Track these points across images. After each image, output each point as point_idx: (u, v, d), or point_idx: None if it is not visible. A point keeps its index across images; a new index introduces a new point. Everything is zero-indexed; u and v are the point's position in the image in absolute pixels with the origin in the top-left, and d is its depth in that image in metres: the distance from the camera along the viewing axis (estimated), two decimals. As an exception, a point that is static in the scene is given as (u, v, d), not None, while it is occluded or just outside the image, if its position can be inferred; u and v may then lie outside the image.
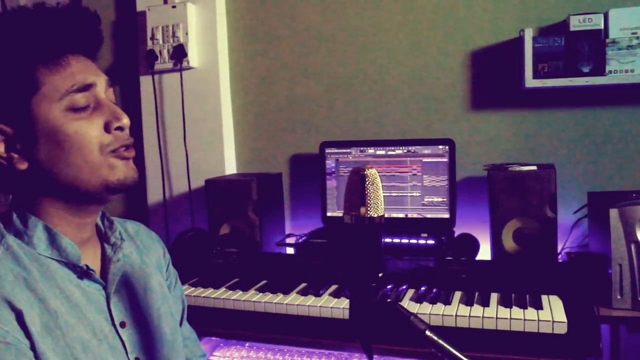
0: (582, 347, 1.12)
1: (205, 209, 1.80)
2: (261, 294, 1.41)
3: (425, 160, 1.71)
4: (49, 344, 0.70)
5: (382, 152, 1.75)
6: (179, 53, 1.97)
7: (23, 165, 0.75)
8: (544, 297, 1.26)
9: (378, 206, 0.66)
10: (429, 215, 1.71)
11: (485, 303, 1.24)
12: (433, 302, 1.28)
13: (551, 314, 1.16)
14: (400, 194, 1.74)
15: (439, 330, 0.64)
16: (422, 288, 1.37)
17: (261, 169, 2.06)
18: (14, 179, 0.77)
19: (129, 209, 2.20)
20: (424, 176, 1.71)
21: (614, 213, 1.24)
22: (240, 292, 1.42)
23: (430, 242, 1.53)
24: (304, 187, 2.00)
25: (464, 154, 1.76)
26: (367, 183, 0.65)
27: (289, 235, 1.87)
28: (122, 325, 0.81)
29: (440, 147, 1.69)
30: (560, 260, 1.56)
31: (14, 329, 0.68)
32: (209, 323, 1.39)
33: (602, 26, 1.55)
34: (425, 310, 1.23)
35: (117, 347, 0.79)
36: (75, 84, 0.75)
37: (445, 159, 1.68)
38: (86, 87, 0.76)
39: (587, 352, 1.12)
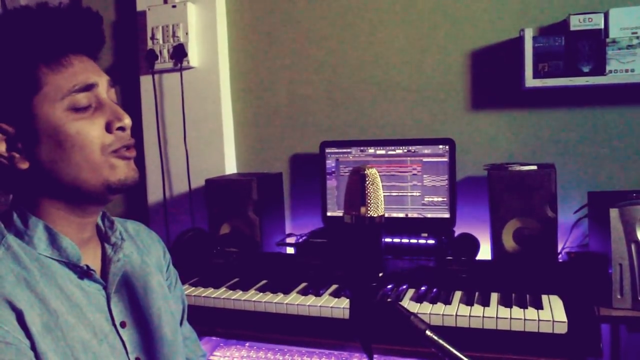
0: (583, 346, 1.12)
1: (205, 209, 1.80)
2: (261, 293, 1.41)
3: (425, 160, 1.71)
4: (50, 344, 0.70)
5: (383, 152, 1.75)
6: (179, 53, 1.97)
7: (24, 165, 0.75)
8: (544, 297, 1.26)
9: (378, 206, 0.66)
10: (429, 215, 1.71)
11: (485, 303, 1.24)
12: (433, 301, 1.28)
13: (551, 314, 1.16)
14: (400, 194, 1.74)
15: (439, 330, 0.64)
16: (423, 288, 1.37)
17: (261, 169, 2.05)
18: (15, 178, 0.77)
19: (129, 208, 2.20)
20: (424, 176, 1.71)
21: (614, 213, 1.24)
22: (241, 292, 1.42)
23: (431, 241, 1.53)
24: (304, 186, 2.00)
25: (464, 153, 1.76)
26: (367, 183, 0.65)
27: (289, 235, 1.87)
28: (123, 325, 0.81)
29: (441, 146, 1.69)
30: (560, 260, 1.56)
31: (15, 329, 0.68)
32: (209, 323, 1.39)
33: (602, 26, 1.55)
34: (426, 310, 1.23)
35: (117, 347, 0.79)
36: (77, 84, 0.75)
37: (445, 159, 1.68)
38: (88, 87, 0.76)
39: (588, 351, 1.12)
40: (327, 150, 1.81)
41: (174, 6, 1.99)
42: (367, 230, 0.66)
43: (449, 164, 1.68)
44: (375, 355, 0.72)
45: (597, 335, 1.14)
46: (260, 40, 2.03)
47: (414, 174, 1.72)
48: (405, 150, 1.73)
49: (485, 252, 1.53)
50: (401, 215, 1.74)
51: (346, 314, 1.26)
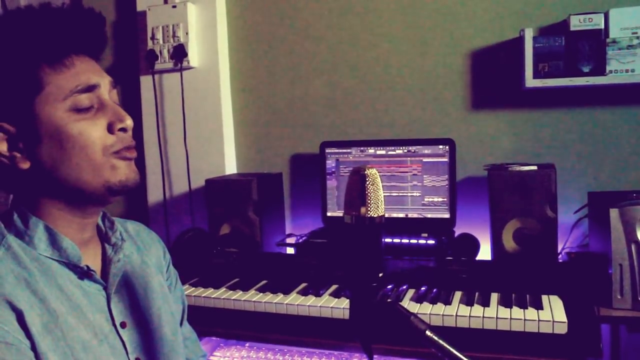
0: (583, 347, 1.12)
1: (206, 209, 1.80)
2: (261, 294, 1.41)
3: (425, 160, 1.71)
4: (50, 344, 0.70)
5: (383, 152, 1.75)
6: (179, 53, 1.97)
7: (25, 165, 0.75)
8: (544, 297, 1.26)
9: (378, 206, 0.66)
10: (429, 215, 1.71)
11: (485, 303, 1.24)
12: (433, 302, 1.28)
13: (551, 314, 1.16)
14: (400, 194, 1.74)
15: (439, 330, 0.64)
16: (423, 288, 1.37)
17: (261, 169, 2.06)
18: (16, 178, 0.77)
19: (129, 209, 2.20)
20: (424, 176, 1.71)
21: (614, 213, 1.24)
22: (241, 292, 1.42)
23: (431, 242, 1.53)
24: (304, 187, 2.00)
25: (464, 154, 1.76)
26: (367, 183, 0.65)
27: (289, 235, 1.87)
28: (123, 325, 0.81)
29: (441, 147, 1.69)
30: (560, 260, 1.56)
31: (15, 330, 0.68)
32: (209, 323, 1.39)
33: (602, 26, 1.55)
34: (426, 310, 1.23)
35: (117, 348, 0.79)
36: (79, 85, 0.75)
37: (445, 159, 1.68)
38: (90, 88, 0.76)
39: (588, 352, 1.12)
40: (327, 151, 1.81)
41: (174, 6, 1.99)
42: (367, 230, 0.66)
43: (449, 164, 1.68)
44: (375, 356, 0.72)
45: (597, 336, 1.14)
46: (260, 40, 2.03)
47: (414, 174, 1.72)
48: (406, 151, 1.73)
49: (485, 253, 1.53)
50: (401, 215, 1.74)
51: (346, 314, 1.26)
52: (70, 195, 0.77)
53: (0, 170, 0.76)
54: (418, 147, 1.71)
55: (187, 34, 1.98)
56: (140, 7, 2.07)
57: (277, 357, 1.40)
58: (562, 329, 1.13)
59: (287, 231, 1.98)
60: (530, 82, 1.59)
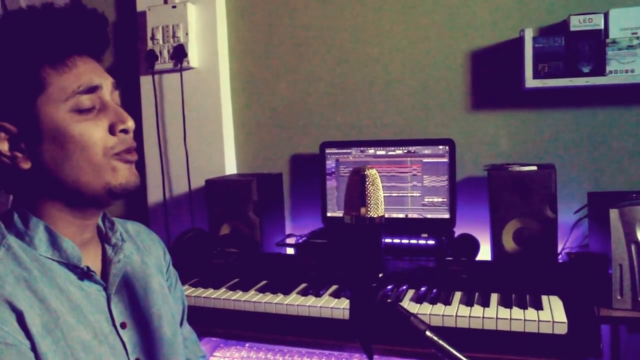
0: (583, 347, 1.12)
1: (206, 209, 1.80)
2: (261, 294, 1.41)
3: (425, 160, 1.71)
4: (50, 345, 0.70)
5: (383, 153, 1.75)
6: (179, 53, 1.97)
7: (26, 165, 0.75)
8: (544, 298, 1.26)
9: (378, 206, 0.66)
10: (429, 216, 1.71)
11: (485, 303, 1.24)
12: (433, 302, 1.28)
13: (551, 315, 1.16)
14: (400, 194, 1.74)
15: (439, 330, 0.64)
16: (423, 288, 1.37)
17: (261, 169, 2.06)
18: (17, 178, 0.77)
19: (129, 209, 2.20)
20: (424, 176, 1.71)
21: (614, 213, 1.24)
22: (241, 293, 1.42)
23: (431, 242, 1.53)
24: (304, 187, 2.00)
25: (464, 154, 1.76)
26: (367, 183, 0.65)
27: (289, 236, 1.87)
28: (123, 326, 0.81)
29: (441, 147, 1.69)
30: (560, 261, 1.56)
31: (15, 330, 0.68)
32: (209, 323, 1.39)
33: (602, 26, 1.55)
34: (426, 311, 1.23)
35: (117, 348, 0.79)
36: (81, 86, 0.75)
37: (445, 159, 1.68)
38: (92, 89, 0.76)
39: (588, 352, 1.12)
40: (327, 151, 1.81)
41: (174, 6, 1.99)
42: (367, 230, 0.66)
43: (449, 165, 1.68)
44: (375, 356, 0.72)
45: (597, 336, 1.14)
46: (260, 40, 2.03)
47: (414, 175, 1.72)
48: (405, 151, 1.73)
49: (485, 253, 1.53)
50: (401, 215, 1.74)
51: (346, 315, 1.26)
52: (71, 197, 0.77)
53: (1, 170, 0.76)
54: (418, 147, 1.71)
55: (187, 34, 1.98)
56: (140, 7, 2.07)
57: (277, 357, 1.40)
58: (562, 330, 1.13)
59: (287, 231, 1.98)
60: (530, 82, 1.59)
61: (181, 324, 1.01)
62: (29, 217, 0.77)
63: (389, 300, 0.69)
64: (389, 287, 1.40)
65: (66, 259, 0.77)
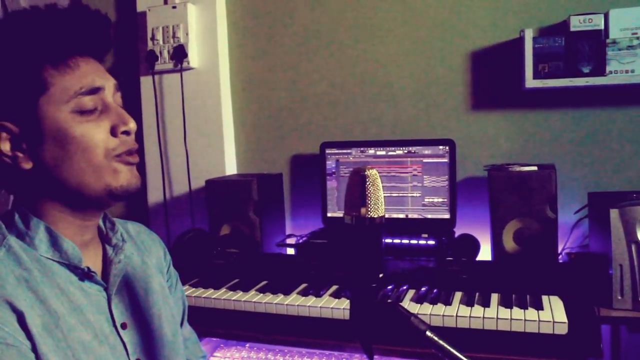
0: (583, 347, 1.12)
1: (206, 210, 1.80)
2: (262, 294, 1.41)
3: (425, 160, 1.71)
4: (50, 346, 0.70)
5: (383, 153, 1.75)
6: (179, 53, 1.97)
7: (27, 165, 0.75)
8: (545, 298, 1.26)
9: (378, 207, 0.66)
10: (429, 216, 1.71)
11: (485, 303, 1.24)
12: (433, 302, 1.28)
13: (552, 315, 1.16)
14: (400, 195, 1.74)
15: (439, 330, 0.64)
16: (423, 288, 1.37)
17: (261, 169, 2.06)
18: (18, 178, 0.77)
19: (129, 209, 2.20)
20: (425, 177, 1.71)
21: (614, 213, 1.24)
22: (241, 293, 1.42)
23: (431, 242, 1.53)
24: (304, 187, 2.00)
25: (464, 154, 1.76)
26: (367, 184, 0.65)
27: (290, 236, 1.87)
28: (123, 326, 0.81)
29: (441, 147, 1.69)
30: (560, 261, 1.56)
31: (15, 331, 0.68)
32: (209, 324, 1.39)
33: (602, 26, 1.55)
34: (426, 311, 1.23)
35: (118, 349, 0.79)
36: (84, 87, 0.75)
37: (445, 160, 1.68)
38: (94, 90, 0.76)
39: (588, 352, 1.12)
40: (328, 151, 1.81)
41: (174, 7, 1.99)
42: (368, 231, 0.66)
43: (449, 165, 1.68)
44: (375, 356, 0.72)
45: (598, 336, 1.14)
46: (260, 40, 2.03)
47: (414, 175, 1.72)
48: (406, 151, 1.73)
49: (485, 253, 1.53)
50: (401, 216, 1.74)
51: (346, 315, 1.26)
52: (71, 197, 0.77)
53: (3, 169, 0.76)
54: (418, 147, 1.72)
55: (187, 34, 1.98)
56: (140, 7, 2.07)
57: (277, 357, 1.40)
58: (562, 330, 1.13)
59: (287, 232, 1.98)
60: (530, 82, 1.59)
61: (181, 324, 1.01)
62: (29, 217, 0.77)
63: (389, 301, 0.69)
64: (389, 287, 1.40)
65: (67, 260, 0.77)
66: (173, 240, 1.72)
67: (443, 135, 1.76)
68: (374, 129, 1.91)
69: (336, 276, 1.47)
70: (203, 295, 1.43)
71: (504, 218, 1.49)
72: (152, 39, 2.02)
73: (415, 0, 1.84)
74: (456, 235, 1.60)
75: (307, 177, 1.97)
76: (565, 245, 1.65)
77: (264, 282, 1.49)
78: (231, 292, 1.44)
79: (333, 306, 1.31)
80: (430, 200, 1.71)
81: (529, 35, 1.59)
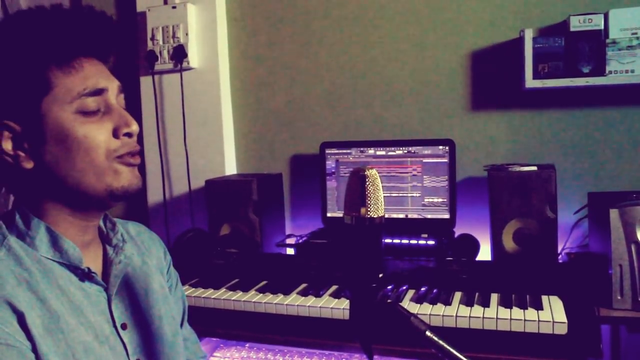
0: (583, 347, 1.12)
1: (206, 210, 1.80)
2: (261, 294, 1.41)
3: (425, 160, 1.71)
4: (51, 346, 0.70)
5: (383, 153, 1.75)
6: (179, 53, 1.97)
7: (29, 165, 0.75)
8: (544, 298, 1.26)
9: (378, 207, 0.66)
10: (429, 216, 1.71)
11: (485, 303, 1.24)
12: (433, 302, 1.28)
13: (551, 315, 1.16)
14: (400, 195, 1.74)
15: (439, 330, 0.64)
16: (423, 288, 1.37)
17: (261, 169, 2.06)
18: (19, 178, 0.77)
19: (129, 209, 2.20)
20: (424, 177, 1.71)
21: (614, 213, 1.24)
22: (241, 293, 1.42)
23: (431, 242, 1.53)
24: (304, 187, 2.00)
25: (464, 154, 1.76)
26: (367, 184, 0.65)
27: (289, 236, 1.87)
28: (123, 327, 0.81)
29: (441, 147, 1.69)
30: (560, 261, 1.56)
31: (16, 331, 0.68)
32: (209, 324, 1.39)
33: (602, 26, 1.55)
34: (426, 311, 1.23)
35: (118, 349, 0.79)
36: (87, 88, 0.75)
37: (445, 160, 1.69)
38: (98, 92, 0.76)
39: (588, 352, 1.12)
40: (327, 151, 1.81)
41: (174, 7, 1.99)
42: (367, 231, 0.66)
43: (449, 165, 1.68)
44: (375, 356, 0.72)
45: (597, 336, 1.14)
46: (260, 40, 2.03)
47: (414, 175, 1.72)
48: (405, 151, 1.73)
49: (485, 253, 1.54)
50: (401, 216, 1.74)
51: (346, 315, 1.26)
52: (72, 198, 0.77)
53: (4, 169, 0.76)
54: (418, 147, 1.72)
55: (187, 34, 1.98)
56: (140, 7, 2.07)
57: (277, 357, 1.40)
58: (562, 330, 1.13)
59: (287, 232, 1.98)
60: (530, 82, 1.59)
61: (182, 324, 1.01)
62: (30, 217, 0.77)
63: (389, 301, 0.69)
64: (389, 287, 1.40)
65: (67, 260, 0.77)
66: (173, 240, 1.72)
67: (443, 135, 1.76)
68: (373, 129, 1.91)
69: (336, 276, 1.47)
70: (203, 295, 1.43)
71: (503, 218, 1.49)
72: (152, 39, 2.02)
73: (416, 0, 1.84)
74: (456, 235, 1.60)
75: (307, 177, 1.97)
76: (565, 245, 1.65)
77: (263, 282, 1.49)
78: (231, 292, 1.44)
79: (333, 306, 1.31)
80: (430, 200, 1.71)
81: (528, 35, 1.59)
